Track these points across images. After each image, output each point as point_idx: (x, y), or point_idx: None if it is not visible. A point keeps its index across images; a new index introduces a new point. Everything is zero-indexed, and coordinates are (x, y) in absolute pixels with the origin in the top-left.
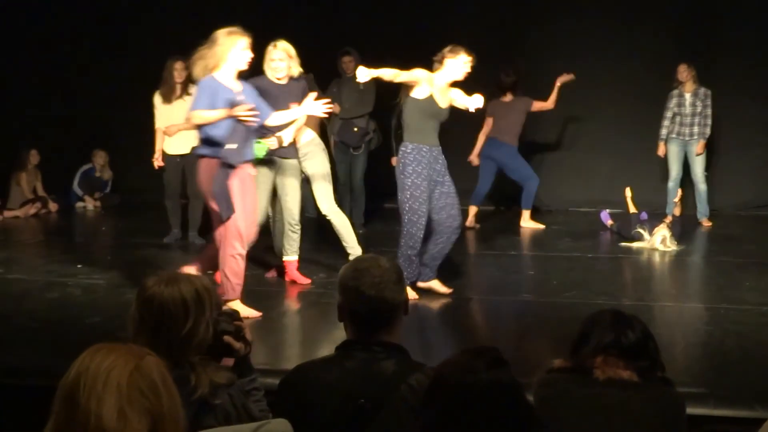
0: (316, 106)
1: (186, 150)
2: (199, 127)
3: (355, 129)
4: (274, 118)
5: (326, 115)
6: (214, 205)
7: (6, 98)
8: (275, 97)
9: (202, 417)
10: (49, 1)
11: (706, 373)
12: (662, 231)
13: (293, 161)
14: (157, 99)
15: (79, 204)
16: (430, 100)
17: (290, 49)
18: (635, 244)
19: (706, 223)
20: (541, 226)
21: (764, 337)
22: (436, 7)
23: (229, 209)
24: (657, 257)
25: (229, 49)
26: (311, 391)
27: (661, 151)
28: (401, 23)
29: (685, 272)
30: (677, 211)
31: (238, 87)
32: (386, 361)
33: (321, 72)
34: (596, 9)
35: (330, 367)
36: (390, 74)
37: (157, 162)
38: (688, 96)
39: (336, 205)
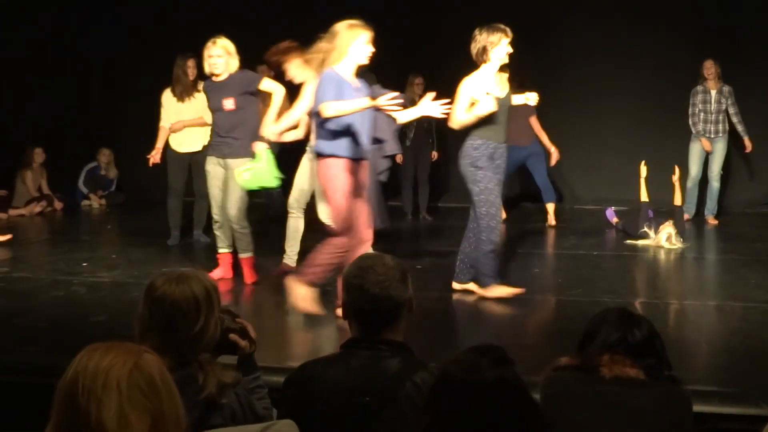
0: (434, 106)
1: (196, 148)
2: (320, 121)
3: None
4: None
5: (444, 116)
6: (346, 208)
7: (11, 96)
8: (210, 93)
9: (209, 416)
10: None
11: (713, 370)
12: (668, 229)
13: (236, 160)
14: (167, 97)
15: (85, 202)
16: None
17: (229, 46)
18: (641, 242)
19: (713, 221)
20: (553, 222)
21: None
22: (447, 6)
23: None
24: (663, 255)
25: (350, 43)
26: (316, 390)
27: (707, 146)
28: (408, 21)
29: (691, 270)
30: (678, 200)
31: (356, 83)
32: (391, 360)
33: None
34: (604, 7)
35: (335, 366)
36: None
37: (153, 159)
38: (713, 93)
39: (301, 208)
